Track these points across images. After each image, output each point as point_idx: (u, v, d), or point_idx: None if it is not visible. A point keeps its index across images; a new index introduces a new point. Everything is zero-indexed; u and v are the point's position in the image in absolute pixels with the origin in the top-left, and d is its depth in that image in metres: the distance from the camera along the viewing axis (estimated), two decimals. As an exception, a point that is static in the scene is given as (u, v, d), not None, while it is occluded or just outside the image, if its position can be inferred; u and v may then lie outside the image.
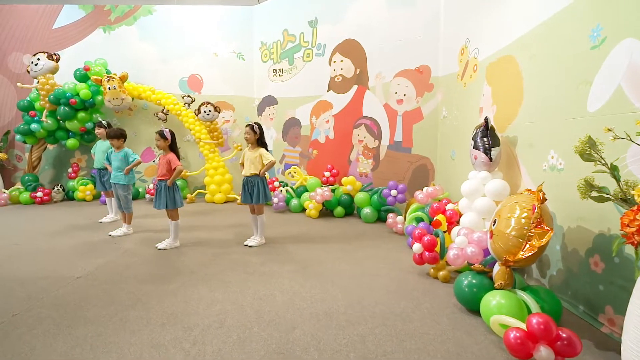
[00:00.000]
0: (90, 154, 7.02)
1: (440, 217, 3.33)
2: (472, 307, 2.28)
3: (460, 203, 3.10)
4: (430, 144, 4.84)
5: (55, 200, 6.59)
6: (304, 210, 5.66)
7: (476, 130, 3.00)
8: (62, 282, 2.87)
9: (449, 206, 3.39)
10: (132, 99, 6.61)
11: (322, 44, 5.96)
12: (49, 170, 7.15)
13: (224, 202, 6.52)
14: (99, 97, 6.27)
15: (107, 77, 6.03)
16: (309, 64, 6.19)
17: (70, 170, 6.90)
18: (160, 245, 3.76)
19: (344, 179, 5.28)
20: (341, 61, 5.72)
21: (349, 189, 5.20)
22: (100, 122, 5.00)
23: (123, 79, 6.15)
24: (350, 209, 5.41)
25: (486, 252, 2.55)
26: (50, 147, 6.97)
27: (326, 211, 5.45)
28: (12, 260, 3.38)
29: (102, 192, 5.15)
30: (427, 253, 2.86)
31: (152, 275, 3.02)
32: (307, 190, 5.70)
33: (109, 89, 6.05)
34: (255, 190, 3.81)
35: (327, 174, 5.65)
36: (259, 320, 2.25)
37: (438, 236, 2.92)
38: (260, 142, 3.82)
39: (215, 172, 6.57)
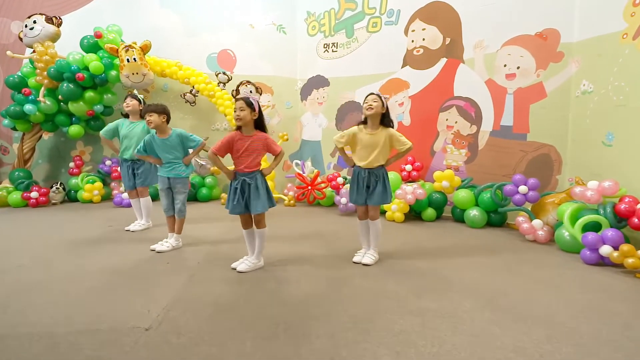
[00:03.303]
0: (98, 144, 5.77)
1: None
2: None
3: None
4: (557, 127, 3.84)
5: (54, 202, 5.25)
6: (376, 212, 4.58)
7: None
8: (122, 338, 1.69)
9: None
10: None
11: (396, 10, 4.89)
12: (44, 164, 5.79)
13: (267, 203, 5.34)
14: (113, 73, 4.99)
15: (125, 46, 4.76)
16: (375, 35, 5.11)
17: (72, 164, 5.56)
18: (241, 267, 2.60)
19: (436, 174, 4.22)
20: (423, 29, 4.66)
21: (445, 186, 4.15)
22: (135, 94, 3.77)
23: (145, 49, 4.90)
24: (440, 211, 4.35)
25: None
26: (45, 135, 5.61)
27: (412, 214, 4.38)
28: (23, 296, 2.16)
29: (127, 192, 3.91)
30: None
31: (263, 322, 1.87)
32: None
33: (128, 60, 4.78)
34: (378, 188, 2.71)
35: (408, 167, 4.58)
36: None
37: None
38: (387, 120, 2.72)
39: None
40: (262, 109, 5.60)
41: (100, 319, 1.89)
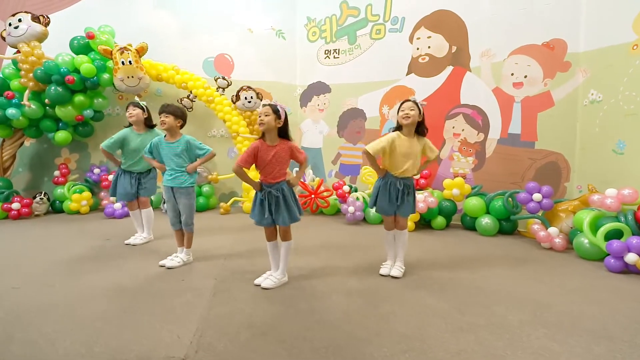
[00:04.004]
0: (84, 151, 5.43)
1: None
2: None
3: None
4: (565, 136, 3.89)
5: (37, 213, 4.87)
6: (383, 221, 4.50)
7: None
8: (160, 373, 1.50)
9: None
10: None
11: (400, 17, 4.88)
12: (25, 173, 5.38)
13: (268, 213, 5.15)
14: (105, 76, 4.71)
15: (120, 48, 4.50)
16: (379, 42, 5.08)
17: (57, 173, 5.19)
18: (266, 283, 2.44)
19: (446, 182, 4.19)
20: (428, 37, 4.67)
21: (455, 194, 4.12)
22: (137, 102, 3.51)
23: (141, 51, 4.65)
24: (449, 219, 4.32)
25: None
26: (27, 142, 5.23)
27: (421, 222, 4.31)
28: (29, 323, 1.90)
29: (127, 203, 3.64)
30: None
31: (308, 345, 1.71)
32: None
33: (122, 63, 4.52)
34: (408, 198, 2.63)
35: (416, 176, 4.52)
36: None
37: None
38: (422, 128, 2.64)
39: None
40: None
41: (125, 347, 1.69)
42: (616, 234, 2.85)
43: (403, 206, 2.62)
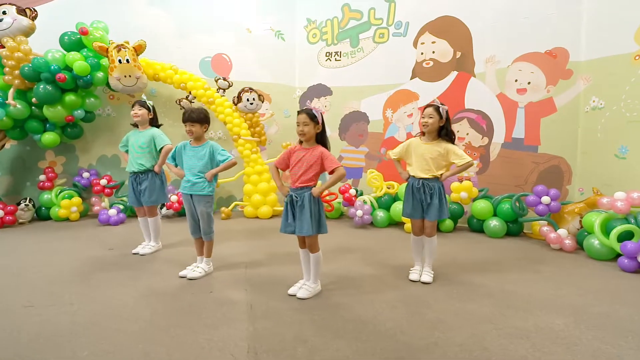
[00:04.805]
0: (72, 153, 5.10)
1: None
2: None
3: None
4: (567, 140, 4.05)
5: (21, 221, 4.51)
6: (390, 224, 4.54)
7: None
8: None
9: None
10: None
11: (404, 22, 4.92)
12: (4, 177, 4.96)
13: (271, 217, 5.06)
14: (99, 74, 4.43)
15: (117, 45, 4.25)
16: (382, 45, 5.10)
17: (42, 177, 4.83)
18: (301, 294, 2.36)
19: (454, 185, 4.26)
20: (432, 42, 4.73)
21: (463, 197, 4.20)
22: (143, 101, 3.33)
23: (139, 49, 4.42)
24: (456, 222, 4.39)
25: None
26: (8, 144, 4.83)
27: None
28: (57, 346, 1.73)
29: (135, 209, 3.45)
30: None
31: (373, 359, 1.67)
32: (396, 200, 4.58)
33: (120, 62, 4.28)
34: (434, 201, 2.62)
35: (422, 178, 4.57)
36: None
37: None
38: (444, 131, 2.65)
39: (260, 177, 5.09)
40: (264, 117, 5.38)
41: (180, 370, 1.57)
42: (626, 235, 2.99)
43: (429, 210, 2.63)
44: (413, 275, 2.70)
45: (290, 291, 2.41)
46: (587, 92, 3.91)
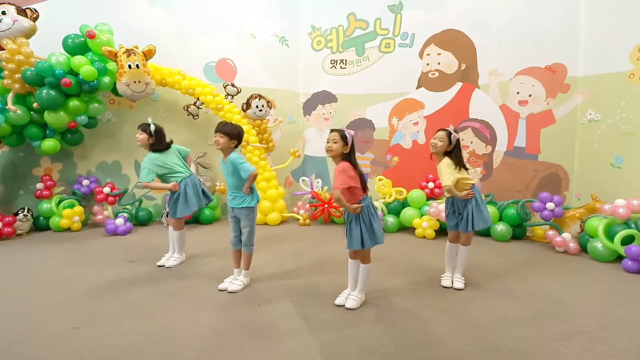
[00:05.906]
0: (69, 159, 4.91)
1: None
2: None
3: None
4: (565, 150, 4.36)
5: (20, 232, 4.28)
6: (400, 229, 4.69)
7: None
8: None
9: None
10: (149, 84, 4.70)
11: (410, 33, 5.08)
12: (-3, 186, 4.69)
13: (279, 224, 5.08)
14: (105, 79, 4.28)
15: (127, 50, 4.12)
16: (388, 55, 5.24)
17: (39, 185, 4.58)
18: (350, 304, 2.43)
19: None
20: (438, 54, 4.93)
21: (471, 203, 4.40)
22: (146, 125, 3.20)
23: (148, 54, 4.30)
24: (462, 226, 4.60)
25: None
26: (0, 150, 4.56)
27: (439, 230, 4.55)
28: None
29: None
30: None
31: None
32: (405, 206, 4.73)
33: (130, 67, 4.15)
34: (464, 214, 2.78)
35: (430, 185, 4.75)
36: None
37: None
38: (450, 154, 2.78)
39: (268, 184, 5.09)
40: (271, 124, 5.37)
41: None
42: (628, 239, 3.28)
43: (461, 221, 2.78)
44: (445, 282, 2.85)
45: (338, 301, 2.48)
46: (584, 106, 4.23)
